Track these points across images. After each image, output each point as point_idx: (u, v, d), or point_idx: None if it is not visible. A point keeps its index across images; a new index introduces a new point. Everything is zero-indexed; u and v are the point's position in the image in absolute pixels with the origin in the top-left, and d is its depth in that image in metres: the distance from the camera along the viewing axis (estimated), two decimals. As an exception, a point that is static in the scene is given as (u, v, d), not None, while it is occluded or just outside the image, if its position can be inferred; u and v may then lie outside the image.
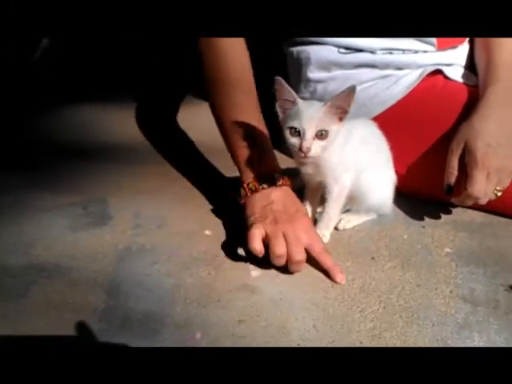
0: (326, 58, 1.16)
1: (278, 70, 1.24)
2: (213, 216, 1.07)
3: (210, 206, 1.10)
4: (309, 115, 0.89)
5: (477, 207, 1.06)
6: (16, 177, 1.19)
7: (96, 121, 1.35)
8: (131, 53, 1.53)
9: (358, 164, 0.98)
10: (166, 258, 0.99)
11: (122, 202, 1.12)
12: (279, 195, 0.98)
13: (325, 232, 1.01)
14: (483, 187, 0.97)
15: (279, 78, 0.90)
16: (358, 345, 0.83)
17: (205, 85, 1.07)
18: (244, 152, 1.02)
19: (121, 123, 1.34)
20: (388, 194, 1.05)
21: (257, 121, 1.03)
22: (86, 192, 1.15)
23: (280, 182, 0.99)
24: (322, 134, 0.90)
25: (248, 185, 0.99)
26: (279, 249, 0.91)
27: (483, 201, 0.99)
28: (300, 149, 0.90)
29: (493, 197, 0.99)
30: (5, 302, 0.90)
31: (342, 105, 0.89)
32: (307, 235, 0.93)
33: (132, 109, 1.38)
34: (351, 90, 0.88)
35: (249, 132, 1.02)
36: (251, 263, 0.96)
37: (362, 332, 0.85)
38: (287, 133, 0.91)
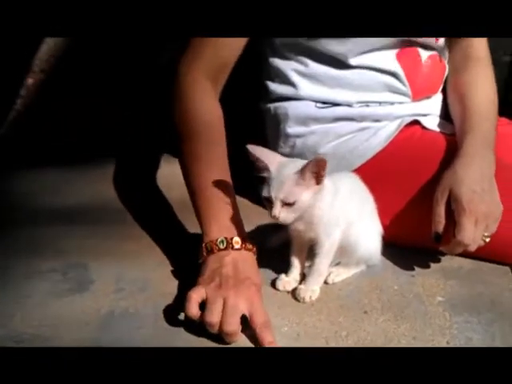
0: (304, 113, 1.17)
1: (254, 126, 1.26)
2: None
3: (194, 267, 1.07)
4: (277, 185, 0.89)
5: (465, 254, 1.06)
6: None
7: (71, 182, 1.32)
8: (108, 108, 1.52)
9: (346, 217, 0.97)
10: (151, 321, 0.95)
11: (103, 266, 1.08)
12: (234, 259, 0.93)
13: (315, 287, 0.99)
14: (472, 234, 0.97)
15: (249, 147, 0.91)
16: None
17: (174, 138, 1.06)
18: (206, 210, 0.99)
19: (97, 183, 1.32)
20: (376, 244, 1.04)
21: (223, 175, 1.01)
22: (65, 256, 1.11)
23: (238, 246, 0.94)
24: (289, 204, 0.89)
25: (206, 245, 0.96)
26: (211, 316, 0.86)
27: (472, 247, 0.99)
28: (272, 216, 0.90)
29: (481, 243, 0.99)
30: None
31: (316, 171, 0.89)
32: (248, 305, 0.88)
33: (108, 168, 1.36)
34: (319, 160, 0.88)
35: (213, 189, 0.99)
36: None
37: (361, 390, 0.82)
38: (262, 197, 0.92)
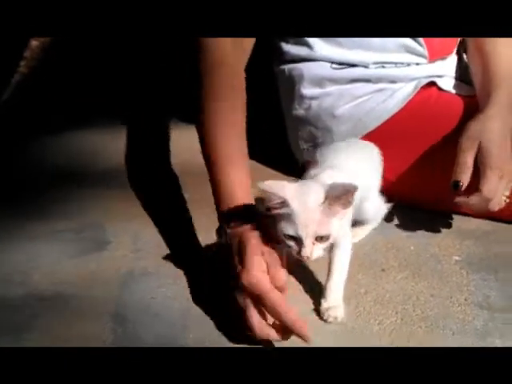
0: (319, 74, 1.15)
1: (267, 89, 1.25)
2: (213, 235, 1.04)
3: (212, 228, 1.07)
4: (305, 220, 0.79)
5: (480, 216, 1.06)
6: (5, 205, 1.14)
7: (85, 146, 1.31)
8: (119, 76, 1.51)
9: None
10: (171, 281, 0.95)
11: (119, 227, 1.08)
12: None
13: (339, 302, 0.88)
14: (495, 188, 0.96)
15: (263, 185, 0.80)
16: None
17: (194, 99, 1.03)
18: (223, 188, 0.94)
19: (110, 147, 1.31)
20: (380, 200, 1.03)
21: (242, 143, 0.98)
22: (80, 218, 1.11)
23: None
24: (322, 238, 0.80)
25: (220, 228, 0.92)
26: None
27: (493, 204, 0.98)
28: (299, 254, 0.80)
29: (502, 202, 0.99)
30: (9, 338, 0.85)
31: (342, 200, 0.79)
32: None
33: (121, 133, 1.35)
34: (351, 189, 0.78)
35: (231, 155, 0.96)
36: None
37: (383, 345, 0.83)
38: (282, 236, 0.81)
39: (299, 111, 1.18)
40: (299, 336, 0.78)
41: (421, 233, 1.07)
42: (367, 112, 1.14)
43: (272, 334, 0.80)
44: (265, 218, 0.84)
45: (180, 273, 0.96)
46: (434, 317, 0.87)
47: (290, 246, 0.81)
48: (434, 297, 0.91)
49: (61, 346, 0.82)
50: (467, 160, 0.98)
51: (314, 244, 0.80)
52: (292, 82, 1.18)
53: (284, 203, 0.79)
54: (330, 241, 0.81)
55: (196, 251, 1.02)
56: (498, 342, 0.82)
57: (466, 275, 0.95)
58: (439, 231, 1.07)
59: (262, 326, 0.80)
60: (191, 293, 0.92)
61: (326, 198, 0.79)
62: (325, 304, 0.88)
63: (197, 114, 1.01)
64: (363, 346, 0.81)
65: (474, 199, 0.98)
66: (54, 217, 1.12)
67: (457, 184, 0.98)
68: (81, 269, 0.99)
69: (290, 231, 0.79)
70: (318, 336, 0.84)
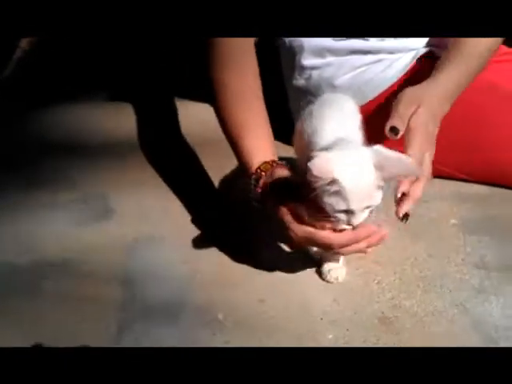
0: (320, 44, 1.17)
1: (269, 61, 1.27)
2: (219, 204, 1.07)
3: (215, 194, 1.10)
4: (357, 195, 0.77)
5: (477, 180, 1.09)
6: (11, 176, 1.16)
7: (89, 117, 1.33)
8: (123, 48, 1.52)
9: None
10: (177, 246, 0.98)
11: (124, 195, 1.11)
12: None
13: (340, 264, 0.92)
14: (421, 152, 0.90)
15: (309, 166, 0.76)
16: (379, 315, 0.84)
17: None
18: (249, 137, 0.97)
19: (114, 118, 1.33)
20: None
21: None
22: (85, 188, 1.13)
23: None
24: (369, 206, 0.80)
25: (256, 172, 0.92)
26: None
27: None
28: (349, 224, 0.81)
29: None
30: (19, 298, 0.89)
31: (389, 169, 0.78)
32: None
33: (123, 105, 1.37)
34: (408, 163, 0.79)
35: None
36: (263, 245, 0.97)
37: (382, 302, 0.86)
38: (331, 210, 0.79)
39: (300, 81, 1.20)
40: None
41: (420, 198, 1.09)
42: (366, 82, 1.15)
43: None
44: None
45: (185, 238, 0.99)
46: (432, 276, 0.90)
47: (338, 219, 0.80)
48: (431, 257, 0.94)
49: (70, 309, 0.86)
50: (408, 112, 0.93)
51: (362, 212, 0.80)
52: (293, 53, 1.20)
53: (334, 182, 0.76)
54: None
55: (199, 217, 1.04)
56: (493, 299, 0.86)
57: (463, 237, 0.98)
58: (437, 196, 1.09)
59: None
60: (196, 257, 0.95)
61: (375, 174, 0.77)
62: (326, 266, 0.91)
63: (209, 85, 1.03)
64: (364, 303, 0.85)
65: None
66: (58, 187, 1.14)
67: (397, 130, 0.91)
68: (88, 237, 1.01)
69: (342, 206, 0.78)
70: (320, 295, 0.87)
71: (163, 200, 1.08)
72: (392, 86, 1.14)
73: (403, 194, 0.85)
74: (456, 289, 0.88)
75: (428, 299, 0.86)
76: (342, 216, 0.79)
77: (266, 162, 0.91)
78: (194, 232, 1.00)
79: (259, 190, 0.89)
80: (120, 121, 1.31)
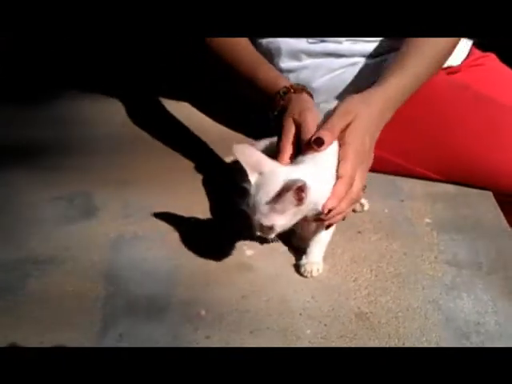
0: (296, 47, 1.20)
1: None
2: (201, 202, 1.09)
3: (198, 192, 1.12)
4: (254, 206, 0.83)
5: (449, 180, 1.13)
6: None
7: (74, 115, 1.34)
8: (105, 44, 1.53)
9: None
10: (160, 243, 1.01)
11: (109, 194, 1.12)
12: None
13: (318, 259, 0.95)
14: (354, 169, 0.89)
15: (236, 149, 0.85)
16: (356, 311, 0.87)
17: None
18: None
19: (100, 116, 1.34)
20: None
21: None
22: (69, 186, 1.15)
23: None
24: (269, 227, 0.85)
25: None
26: None
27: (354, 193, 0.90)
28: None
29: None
30: (3, 295, 0.90)
31: (296, 197, 0.82)
32: None
33: (110, 101, 1.38)
34: (299, 187, 0.80)
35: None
36: (245, 243, 0.99)
37: (358, 299, 0.89)
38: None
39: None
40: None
41: (395, 197, 1.13)
42: (344, 84, 1.19)
43: None
44: None
45: (169, 236, 1.01)
46: (406, 273, 0.94)
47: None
48: (406, 255, 0.98)
49: (55, 306, 0.88)
50: (341, 124, 0.91)
51: (261, 232, 0.85)
52: (270, 56, 1.22)
53: (247, 179, 0.84)
54: (277, 231, 0.85)
55: (182, 215, 1.06)
56: (464, 295, 0.90)
57: (436, 235, 1.02)
58: (412, 196, 1.13)
59: None
60: (180, 254, 0.98)
61: (277, 195, 0.81)
62: (305, 259, 0.94)
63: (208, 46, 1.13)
64: (341, 300, 0.88)
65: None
66: (43, 185, 1.15)
67: (321, 142, 0.89)
68: (72, 234, 1.03)
69: (244, 207, 0.84)
70: (299, 292, 0.90)
71: (147, 198, 1.10)
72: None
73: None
74: (429, 286, 0.91)
75: (403, 295, 0.90)
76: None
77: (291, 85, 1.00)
78: (177, 229, 1.02)
79: (282, 103, 0.97)
80: (105, 119, 1.32)
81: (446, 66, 1.21)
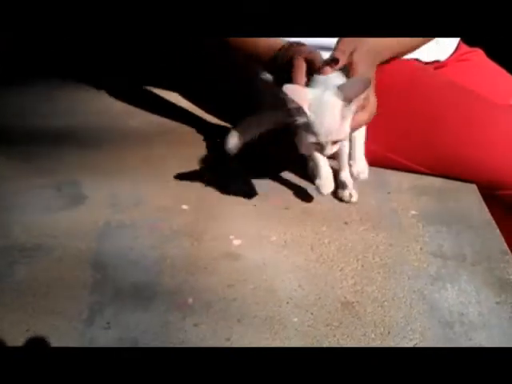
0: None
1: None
2: (188, 191, 1.10)
3: (185, 183, 1.12)
4: (322, 128, 0.90)
5: (435, 173, 1.15)
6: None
7: (62, 103, 1.34)
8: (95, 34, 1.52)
9: None
10: (147, 232, 1.01)
11: (96, 182, 1.12)
12: None
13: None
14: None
15: (285, 87, 0.90)
16: (342, 300, 0.88)
17: None
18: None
19: (89, 105, 1.34)
20: None
21: None
22: (58, 174, 1.15)
23: None
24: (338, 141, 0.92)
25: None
26: None
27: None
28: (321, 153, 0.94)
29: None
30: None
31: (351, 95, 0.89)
32: None
33: (100, 91, 1.38)
34: (364, 83, 0.90)
35: None
36: (232, 232, 1.00)
37: (344, 288, 0.90)
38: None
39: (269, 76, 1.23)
40: None
41: (382, 189, 1.14)
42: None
43: None
44: None
45: (156, 225, 1.01)
46: (392, 264, 0.95)
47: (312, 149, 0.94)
48: (392, 246, 0.99)
49: (42, 293, 0.88)
50: (349, 48, 0.99)
51: (333, 145, 0.92)
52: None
53: (301, 111, 0.89)
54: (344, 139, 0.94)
55: (170, 204, 1.07)
56: (448, 286, 0.91)
57: (422, 227, 1.03)
58: (398, 188, 1.14)
59: None
60: (167, 242, 0.98)
61: (340, 104, 0.89)
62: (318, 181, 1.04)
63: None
64: (327, 289, 0.89)
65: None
66: (31, 174, 1.15)
67: (337, 61, 0.98)
68: (59, 222, 1.03)
69: (312, 139, 0.90)
70: (286, 281, 0.91)
71: (135, 187, 1.11)
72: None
73: None
74: (414, 276, 0.92)
75: (388, 285, 0.91)
76: (316, 146, 0.92)
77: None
78: (165, 218, 1.03)
79: (287, 53, 1.01)
80: (95, 108, 1.32)
81: (432, 60, 1.23)
